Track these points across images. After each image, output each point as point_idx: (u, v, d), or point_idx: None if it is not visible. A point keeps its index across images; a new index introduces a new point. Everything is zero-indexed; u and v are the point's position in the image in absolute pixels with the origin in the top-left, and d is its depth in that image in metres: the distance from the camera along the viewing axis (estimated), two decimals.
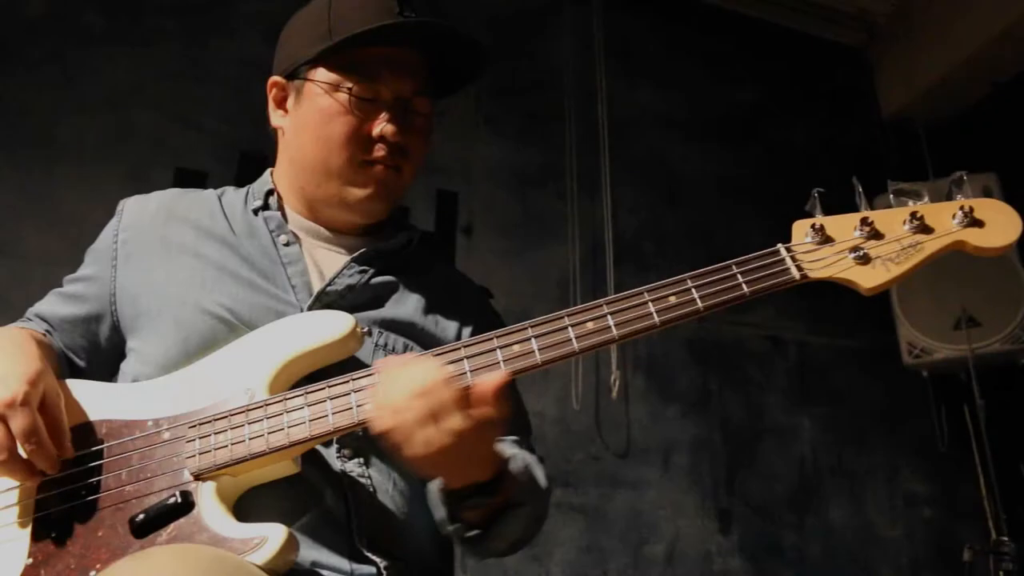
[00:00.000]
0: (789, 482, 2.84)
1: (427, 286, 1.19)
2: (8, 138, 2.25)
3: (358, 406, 0.94)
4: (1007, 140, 2.96)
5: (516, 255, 2.54)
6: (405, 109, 1.13)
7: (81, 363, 1.18)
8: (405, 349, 1.12)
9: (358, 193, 1.13)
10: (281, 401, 0.97)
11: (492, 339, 0.96)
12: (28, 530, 0.97)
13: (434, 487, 1.02)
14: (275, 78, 1.19)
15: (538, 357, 0.94)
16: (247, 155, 2.43)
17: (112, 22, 2.46)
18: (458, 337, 1.18)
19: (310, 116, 1.13)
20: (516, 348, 0.95)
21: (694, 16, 3.23)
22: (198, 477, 0.94)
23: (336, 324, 1.03)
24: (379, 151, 1.11)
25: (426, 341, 1.14)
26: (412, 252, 1.23)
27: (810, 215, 1.08)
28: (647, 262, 2.83)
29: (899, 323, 2.95)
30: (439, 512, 1.03)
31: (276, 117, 1.20)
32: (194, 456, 0.95)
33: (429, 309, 1.17)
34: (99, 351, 1.18)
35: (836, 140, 3.32)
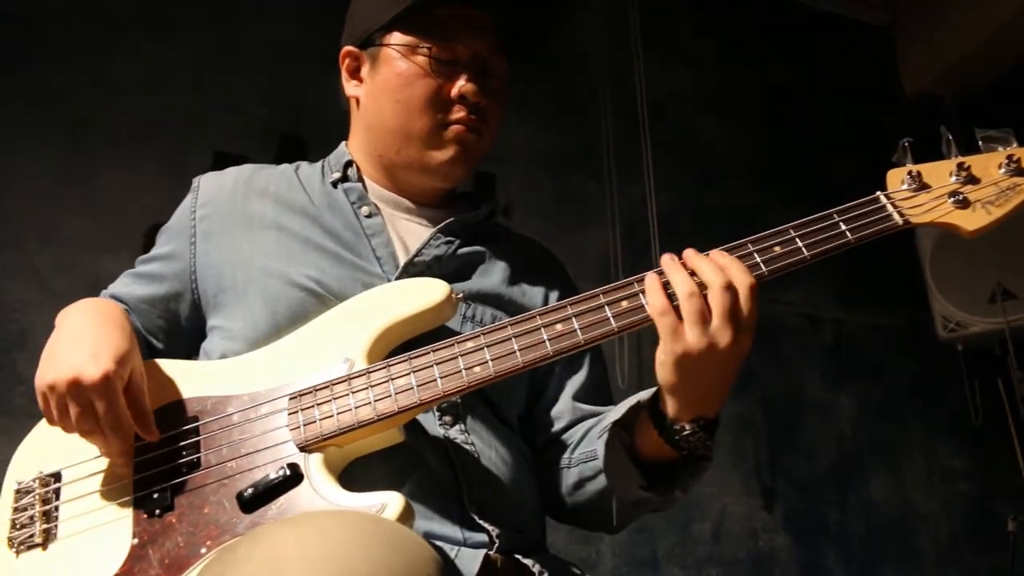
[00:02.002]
0: (829, 459, 2.83)
1: (510, 256, 1.18)
2: (44, 125, 2.22)
3: (467, 369, 0.92)
4: None
5: (555, 236, 2.50)
6: (483, 70, 1.11)
7: (159, 345, 1.15)
8: (493, 321, 1.10)
9: (440, 156, 1.11)
10: (385, 368, 0.94)
11: (599, 296, 0.94)
12: (129, 510, 0.95)
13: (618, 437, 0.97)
14: (347, 48, 1.18)
15: (649, 312, 0.92)
16: (287, 138, 2.42)
17: (143, 5, 2.44)
18: (545, 304, 1.16)
19: (388, 81, 1.11)
20: (624, 304, 0.94)
21: None
22: (304, 448, 0.92)
23: (432, 291, 1.01)
24: (459, 112, 1.09)
25: (513, 311, 1.12)
26: (494, 223, 1.22)
27: (897, 166, 1.08)
28: (683, 241, 2.79)
29: (933, 298, 2.94)
30: (617, 462, 0.98)
31: (350, 87, 1.18)
32: (298, 428, 0.93)
33: (514, 279, 1.16)
34: (177, 332, 1.15)
35: (863, 118, 3.31)
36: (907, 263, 2.98)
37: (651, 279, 0.90)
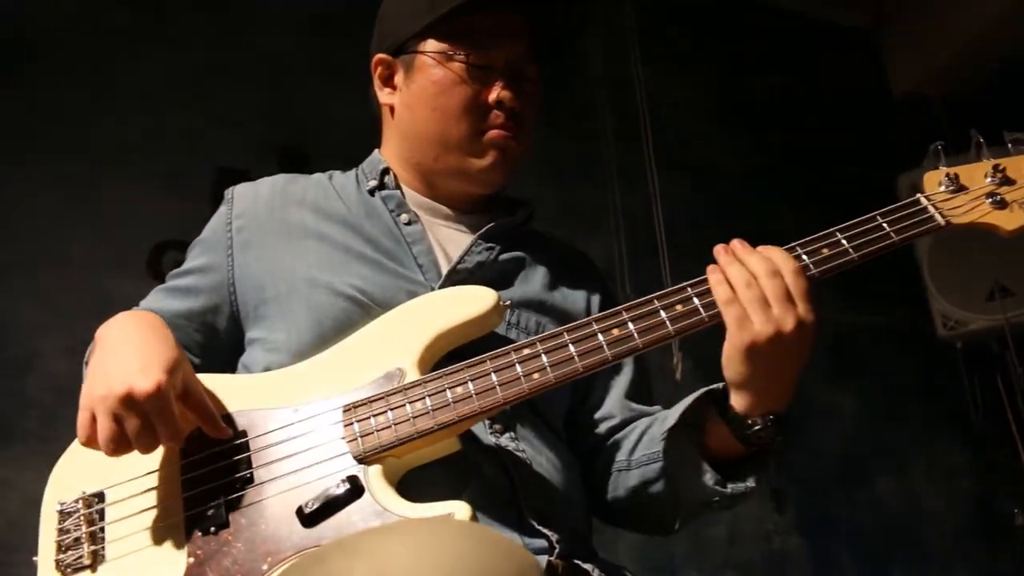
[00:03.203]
0: (836, 459, 2.84)
1: (549, 261, 1.18)
2: (45, 142, 2.20)
3: (525, 375, 0.92)
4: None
5: None
6: (518, 75, 1.12)
7: (196, 360, 1.12)
8: (537, 327, 1.09)
9: (479, 164, 1.11)
10: (440, 378, 0.94)
11: (653, 301, 0.95)
12: (181, 528, 0.93)
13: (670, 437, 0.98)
14: (380, 55, 1.17)
15: (704, 315, 0.93)
16: (288, 150, 2.40)
17: (140, 21, 2.42)
18: (587, 309, 1.16)
19: (424, 89, 1.11)
20: (679, 308, 0.94)
21: (707, 2, 3.26)
22: (362, 460, 0.91)
23: (481, 299, 1.01)
24: (496, 118, 1.10)
25: (556, 316, 1.12)
26: (530, 227, 1.22)
27: (929, 169, 1.10)
28: (686, 247, 2.82)
29: (932, 297, 2.97)
30: (686, 462, 0.98)
31: (383, 95, 1.18)
32: (355, 439, 0.92)
33: (555, 284, 1.16)
34: (215, 346, 1.13)
35: (855, 120, 3.36)
36: (904, 263, 3.02)
37: (713, 273, 0.92)
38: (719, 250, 0.93)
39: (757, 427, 0.93)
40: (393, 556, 0.61)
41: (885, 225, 0.99)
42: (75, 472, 1.02)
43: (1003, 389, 2.97)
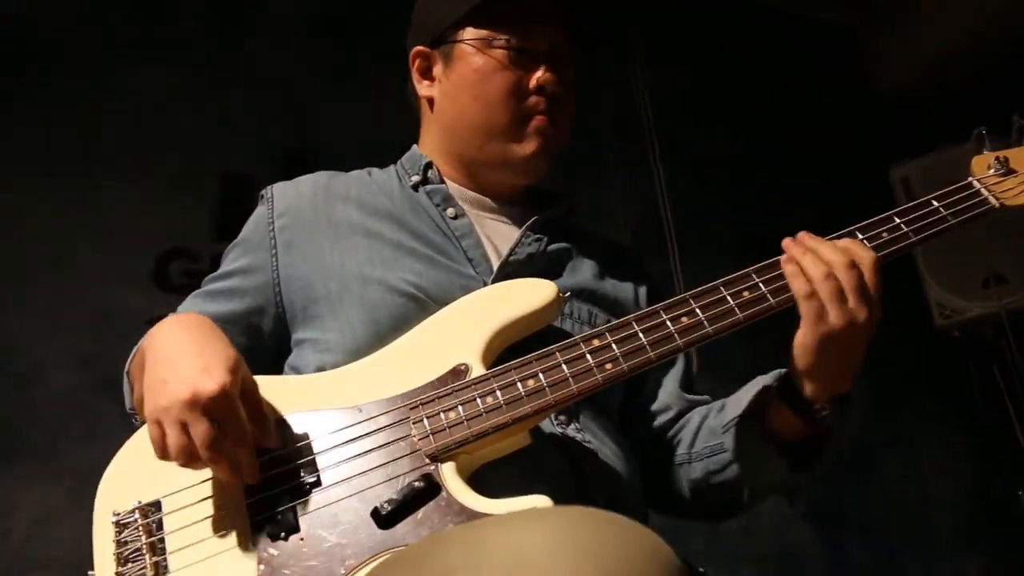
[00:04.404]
0: (844, 451, 2.87)
1: (593, 251, 1.17)
2: (51, 150, 2.15)
3: (598, 366, 0.91)
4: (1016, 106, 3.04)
5: None
6: (559, 60, 1.11)
7: None
8: (590, 316, 1.09)
9: (523, 150, 1.10)
10: (509, 372, 0.92)
11: (719, 288, 0.95)
12: (247, 535, 0.90)
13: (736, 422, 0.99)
14: (418, 48, 1.16)
15: (772, 300, 0.94)
16: (292, 154, 2.37)
17: (141, 28, 2.38)
18: (635, 298, 1.16)
19: (465, 77, 1.10)
20: (746, 295, 0.94)
21: (707, 3, 3.28)
22: (435, 458, 0.89)
23: (541, 291, 1.00)
24: (538, 104, 1.09)
25: (607, 305, 1.12)
26: (571, 219, 1.22)
27: (975, 153, 1.12)
28: (682, 245, 2.83)
29: (927, 287, 3.01)
30: (754, 452, 0.99)
31: (423, 88, 1.17)
32: (427, 437, 0.90)
33: (603, 273, 1.15)
34: (259, 349, 1.10)
35: (852, 120, 3.40)
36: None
37: (788, 264, 0.92)
38: (788, 243, 0.94)
39: (825, 412, 0.94)
40: (526, 544, 0.58)
41: (942, 209, 1.00)
42: (127, 481, 0.99)
43: (1000, 375, 3.03)
